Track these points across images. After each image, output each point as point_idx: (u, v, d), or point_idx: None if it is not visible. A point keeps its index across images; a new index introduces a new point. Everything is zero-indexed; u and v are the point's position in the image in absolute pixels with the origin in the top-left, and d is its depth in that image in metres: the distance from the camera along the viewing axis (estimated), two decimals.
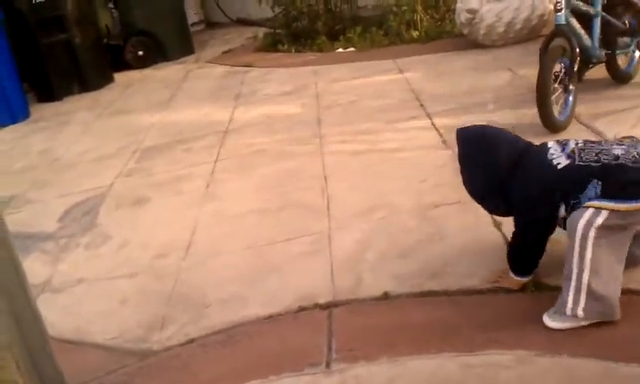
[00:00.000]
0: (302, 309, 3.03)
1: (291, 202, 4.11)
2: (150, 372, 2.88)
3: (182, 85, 7.77)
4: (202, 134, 5.74)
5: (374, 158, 4.53)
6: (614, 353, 2.39)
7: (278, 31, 8.91)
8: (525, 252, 2.80)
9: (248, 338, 2.93)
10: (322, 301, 3.05)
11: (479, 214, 3.49)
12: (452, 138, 4.48)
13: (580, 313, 2.54)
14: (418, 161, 4.33)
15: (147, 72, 8.84)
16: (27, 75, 7.96)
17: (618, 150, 2.58)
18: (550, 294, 2.78)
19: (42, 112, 7.70)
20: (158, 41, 9.14)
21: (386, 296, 2.99)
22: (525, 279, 2.85)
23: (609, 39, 4.59)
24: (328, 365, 2.64)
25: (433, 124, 4.89)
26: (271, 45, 8.74)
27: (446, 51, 6.78)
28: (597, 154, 2.58)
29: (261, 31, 9.47)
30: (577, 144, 2.68)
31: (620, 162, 2.53)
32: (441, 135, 4.65)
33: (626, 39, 4.71)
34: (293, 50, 8.32)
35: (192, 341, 3.01)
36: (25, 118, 7.52)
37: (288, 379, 2.60)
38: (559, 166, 2.62)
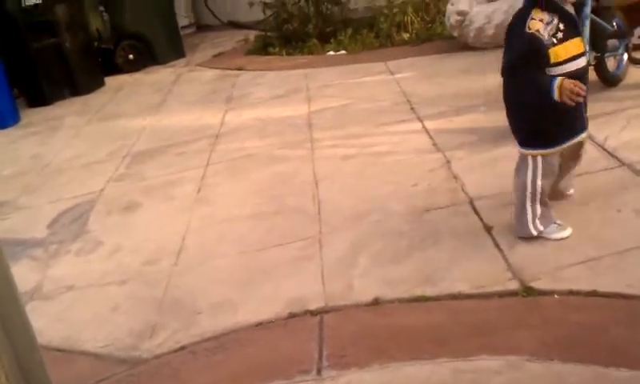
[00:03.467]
0: (292, 315, 3.02)
1: (282, 206, 4.11)
2: (141, 380, 2.86)
3: (172, 88, 7.75)
4: (193, 138, 5.72)
5: (365, 162, 4.53)
6: (604, 358, 2.39)
7: (268, 34, 8.91)
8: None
9: (239, 345, 2.91)
10: (312, 307, 3.04)
11: (470, 219, 3.51)
12: (442, 142, 4.53)
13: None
14: (409, 164, 4.32)
15: (138, 76, 8.82)
16: (17, 80, 7.92)
17: None
18: (540, 298, 2.79)
19: (33, 117, 7.67)
20: (149, 44, 9.12)
21: (377, 301, 2.99)
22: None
23: (598, 42, 4.59)
24: (319, 371, 2.63)
25: (424, 127, 4.89)
26: (262, 48, 8.74)
27: (436, 53, 6.78)
28: None
29: (252, 34, 9.46)
30: None
31: None
32: (432, 138, 4.65)
33: (615, 42, 4.72)
34: (284, 53, 8.31)
35: (183, 348, 3.00)
36: (15, 123, 7.49)
37: None
38: None
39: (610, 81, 4.77)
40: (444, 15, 6.90)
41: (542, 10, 2.91)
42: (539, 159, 3.07)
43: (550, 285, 2.84)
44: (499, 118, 4.70)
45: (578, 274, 2.88)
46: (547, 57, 2.91)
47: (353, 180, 4.30)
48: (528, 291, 2.84)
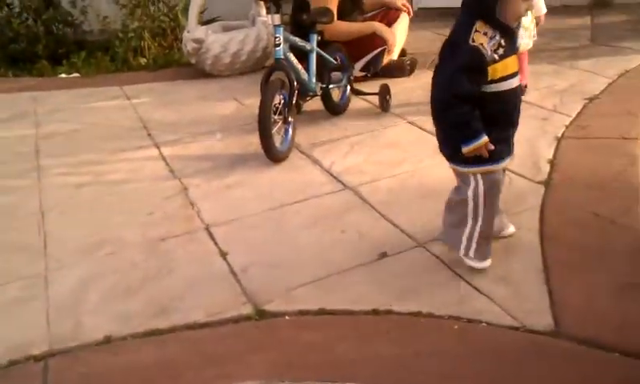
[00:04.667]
0: (13, 363, 2.73)
1: (1, 243, 3.73)
2: None
3: None
4: None
5: (98, 191, 4.31)
6: (332, 373, 2.51)
7: None
8: None
9: None
10: (36, 351, 2.78)
11: (206, 246, 3.50)
12: (179, 169, 4.49)
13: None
14: (145, 192, 4.21)
15: None
16: None
17: None
18: (273, 320, 2.86)
19: None
20: None
21: (108, 339, 2.82)
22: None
23: (323, 74, 4.92)
24: None
25: (161, 154, 4.81)
26: None
27: (174, 80, 6.74)
28: None
29: None
30: None
31: None
32: (168, 165, 4.59)
33: (339, 74, 5.09)
34: (10, 74, 7.66)
35: None
36: None
37: None
38: None
39: (334, 110, 5.13)
40: (182, 42, 6.89)
41: (486, 23, 2.75)
42: (479, 177, 2.92)
43: (282, 306, 2.93)
44: (235, 144, 4.84)
45: (308, 293, 3.01)
46: (487, 74, 2.77)
47: (84, 210, 4.07)
48: (261, 314, 2.90)
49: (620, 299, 2.74)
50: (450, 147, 2.96)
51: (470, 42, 2.73)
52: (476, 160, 2.86)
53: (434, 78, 2.94)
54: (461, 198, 2.99)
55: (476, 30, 2.74)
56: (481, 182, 2.91)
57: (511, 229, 3.29)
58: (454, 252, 3.07)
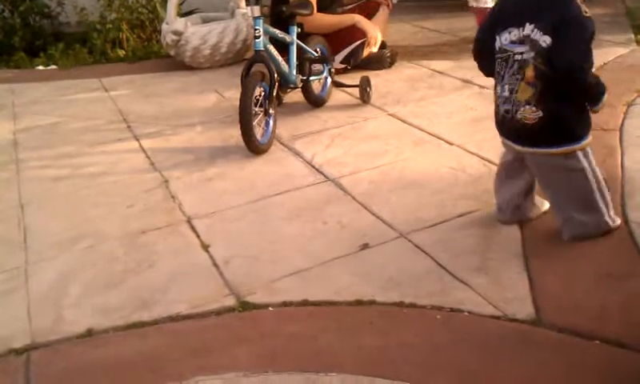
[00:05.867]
0: None
1: None
2: None
3: None
4: None
5: (77, 184, 4.27)
6: (315, 364, 2.52)
7: None
8: None
9: None
10: (18, 345, 2.76)
11: (187, 238, 3.49)
12: (160, 161, 4.46)
13: None
14: (125, 185, 4.18)
15: None
16: None
17: None
18: (256, 312, 2.86)
19: None
20: None
21: (90, 333, 2.81)
22: None
23: (304, 66, 4.91)
24: None
25: (141, 146, 4.78)
26: None
27: (154, 72, 6.69)
28: None
29: None
30: None
31: None
32: (149, 158, 4.56)
33: (319, 66, 5.08)
34: None
35: None
36: None
37: None
38: None
39: (315, 102, 5.12)
40: (160, 34, 6.84)
41: None
42: (588, 148, 2.97)
43: (265, 298, 2.93)
44: (215, 137, 4.82)
45: (290, 285, 3.01)
46: None
47: (64, 203, 4.03)
48: (244, 306, 2.90)
49: (599, 289, 2.77)
50: (567, 126, 2.93)
51: (584, 13, 2.79)
52: (583, 133, 2.95)
53: (543, 56, 2.84)
54: (578, 176, 2.97)
55: (581, 1, 2.81)
56: (590, 152, 2.96)
57: (547, 205, 3.30)
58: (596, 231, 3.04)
